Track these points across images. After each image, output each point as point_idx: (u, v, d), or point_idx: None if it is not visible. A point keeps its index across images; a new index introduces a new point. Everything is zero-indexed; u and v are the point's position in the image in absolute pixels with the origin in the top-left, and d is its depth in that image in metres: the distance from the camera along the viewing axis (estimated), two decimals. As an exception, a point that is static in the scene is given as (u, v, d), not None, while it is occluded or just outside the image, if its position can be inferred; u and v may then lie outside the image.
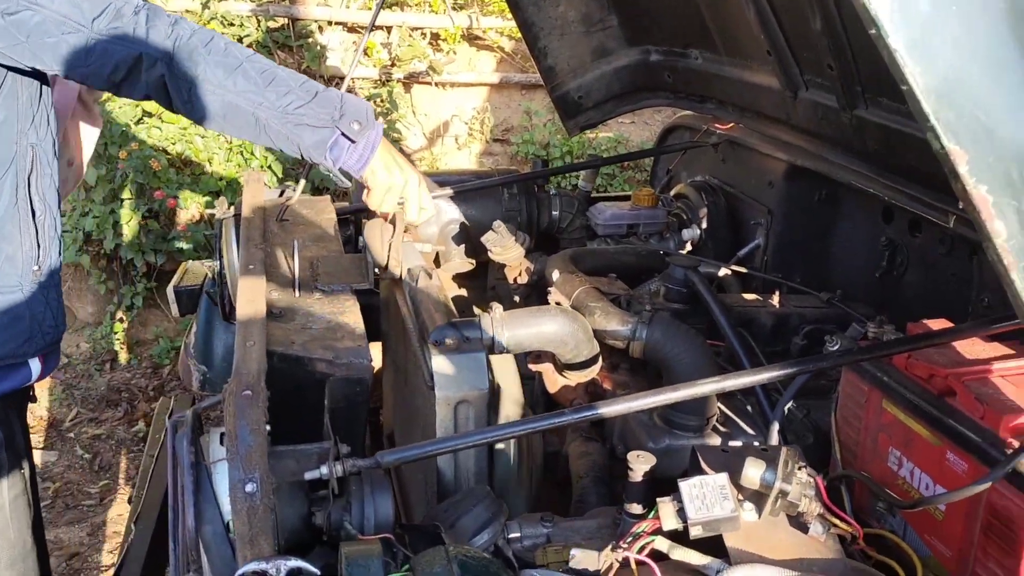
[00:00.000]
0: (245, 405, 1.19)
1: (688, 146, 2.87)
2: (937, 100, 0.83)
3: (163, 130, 5.19)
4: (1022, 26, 0.85)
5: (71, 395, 4.82)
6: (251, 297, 1.53)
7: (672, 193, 2.81)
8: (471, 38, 6.66)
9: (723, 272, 2.34)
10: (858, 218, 2.18)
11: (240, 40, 6.14)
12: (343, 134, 1.59)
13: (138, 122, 5.19)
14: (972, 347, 1.39)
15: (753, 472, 1.30)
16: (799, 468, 1.32)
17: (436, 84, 6.48)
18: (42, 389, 4.83)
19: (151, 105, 5.25)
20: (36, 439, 4.45)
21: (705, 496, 1.26)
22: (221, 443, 1.24)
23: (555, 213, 2.71)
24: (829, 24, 1.76)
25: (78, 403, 4.78)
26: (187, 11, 6.01)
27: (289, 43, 6.31)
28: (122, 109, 5.16)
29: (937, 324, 1.46)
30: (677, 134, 3.04)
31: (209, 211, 4.91)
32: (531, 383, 1.96)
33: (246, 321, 1.43)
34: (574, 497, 1.74)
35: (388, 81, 6.31)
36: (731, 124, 2.67)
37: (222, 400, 1.26)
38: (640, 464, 1.41)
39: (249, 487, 1.10)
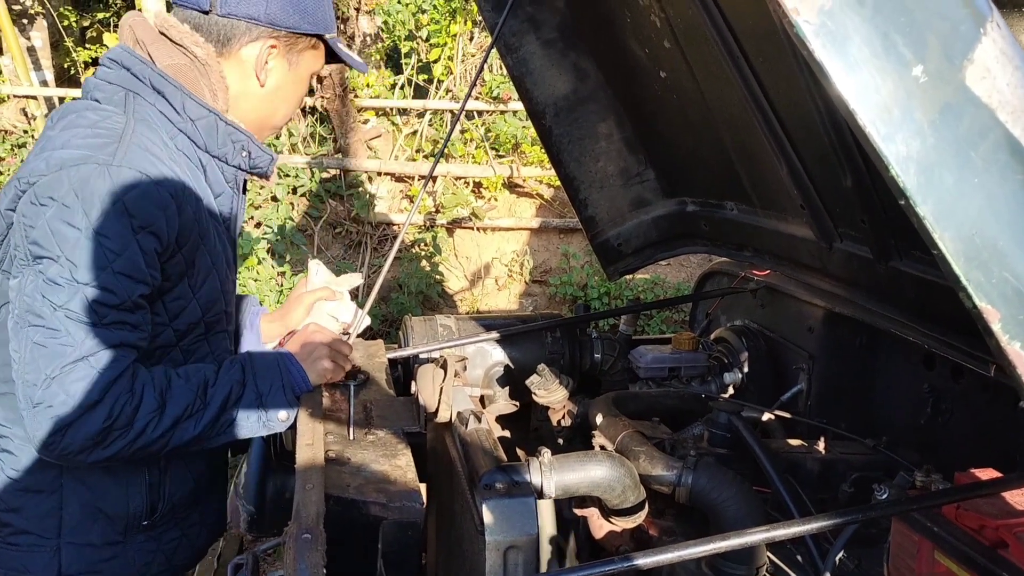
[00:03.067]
0: (305, 548, 1.22)
1: (727, 292, 2.95)
2: (966, 263, 0.89)
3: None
4: (1040, 194, 0.93)
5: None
6: (310, 440, 1.58)
7: (712, 337, 2.86)
8: (512, 186, 6.96)
9: (766, 417, 2.35)
10: (900, 364, 2.20)
11: (294, 190, 6.49)
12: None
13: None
14: (1021, 497, 1.39)
15: (807, 623, 1.29)
16: (853, 620, 1.31)
17: (478, 229, 6.73)
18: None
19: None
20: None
21: (759, 648, 1.25)
22: (279, 585, 1.27)
23: (597, 356, 2.76)
24: (859, 182, 1.85)
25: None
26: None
27: (340, 192, 6.65)
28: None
29: (985, 473, 1.46)
30: (715, 279, 3.12)
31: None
32: (575, 528, 1.96)
33: (305, 465, 1.48)
34: (623, 649, 1.70)
35: (432, 227, 6.57)
36: (768, 271, 2.74)
37: (281, 543, 1.30)
38: (691, 614, 1.40)
39: (307, 631, 1.12)
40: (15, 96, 6.91)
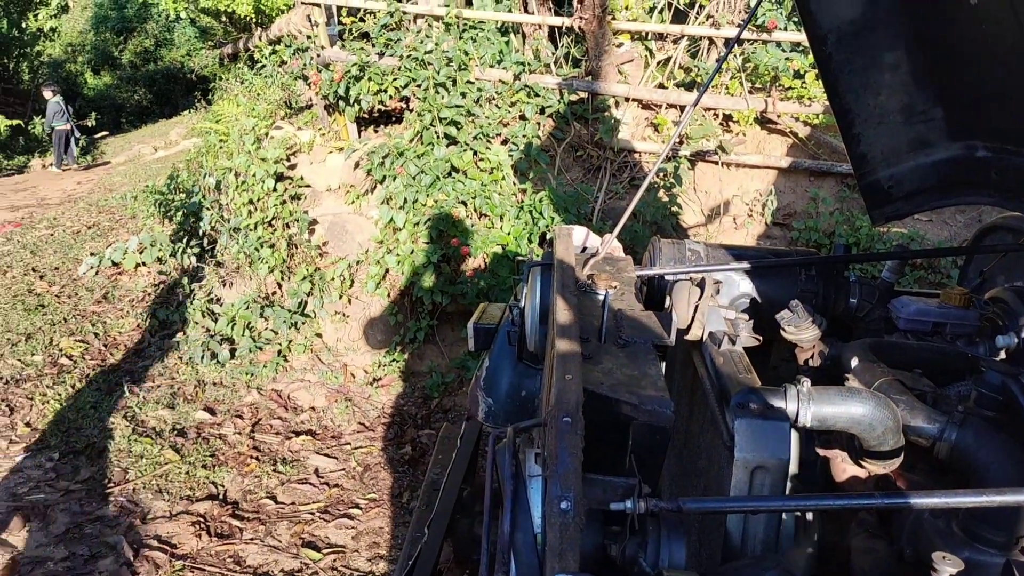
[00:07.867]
0: (566, 430, 1.29)
1: (1011, 249, 2.67)
2: None
3: (466, 184, 5.67)
4: None
5: (352, 411, 5.33)
6: (568, 336, 1.64)
7: (987, 296, 2.62)
8: (764, 121, 6.64)
9: (1045, 387, 2.13)
10: None
11: (542, 110, 6.60)
12: None
13: (447, 176, 5.73)
14: None
15: (1087, 600, 1.19)
16: None
17: (722, 163, 6.52)
18: (331, 403, 5.39)
19: (459, 160, 5.77)
20: (321, 445, 4.98)
21: (1025, 615, 1.17)
22: (535, 462, 1.35)
23: (853, 300, 2.62)
24: None
25: (357, 418, 5.27)
26: (501, 80, 6.58)
27: (586, 115, 6.67)
28: (436, 163, 5.72)
29: None
30: (997, 235, 2.84)
31: (520, 258, 5.28)
32: (813, 468, 1.91)
33: (564, 356, 1.54)
34: (856, 593, 1.66)
35: (675, 157, 6.45)
36: (1067, 230, 2.45)
37: (541, 423, 1.38)
38: (946, 566, 1.34)
39: (564, 504, 1.19)
40: (302, 3, 7.51)
